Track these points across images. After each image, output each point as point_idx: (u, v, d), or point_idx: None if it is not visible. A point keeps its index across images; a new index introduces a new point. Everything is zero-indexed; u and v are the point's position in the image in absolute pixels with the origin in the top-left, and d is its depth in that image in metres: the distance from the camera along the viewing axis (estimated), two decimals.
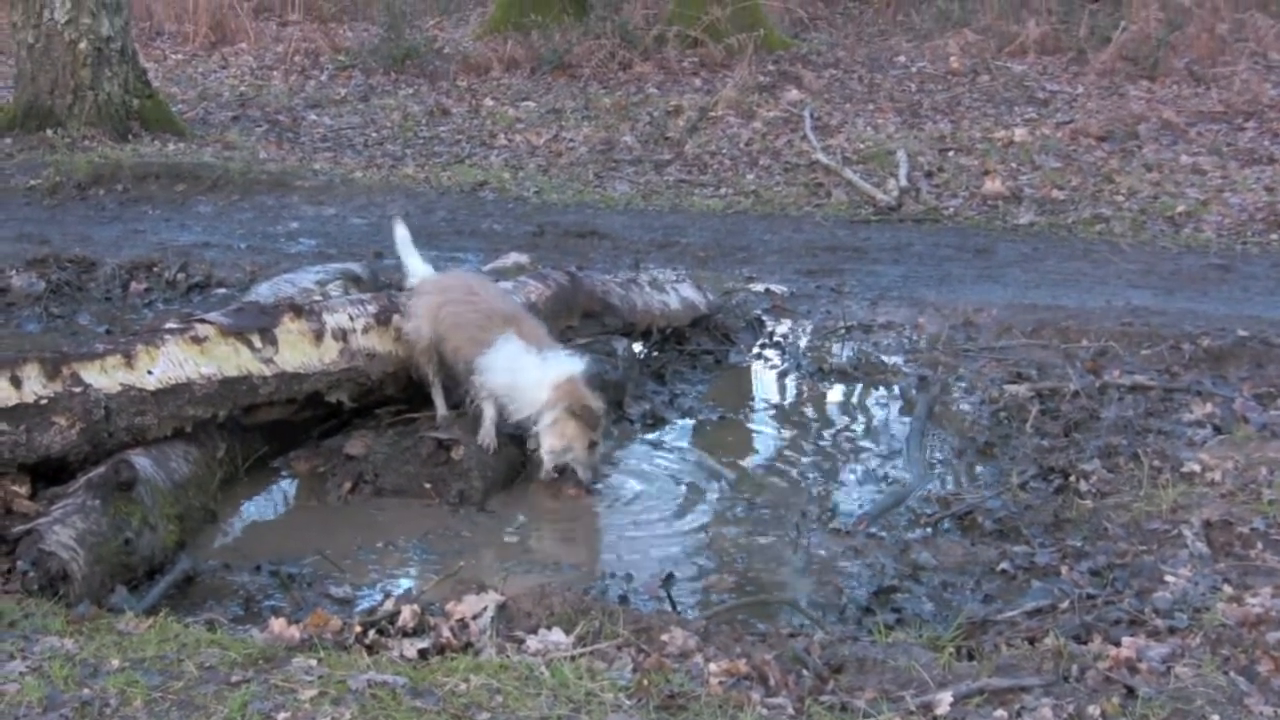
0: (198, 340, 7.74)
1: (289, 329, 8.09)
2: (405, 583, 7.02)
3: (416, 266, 8.81)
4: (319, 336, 8.17)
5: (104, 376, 7.34)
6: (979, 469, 8.55)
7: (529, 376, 8.02)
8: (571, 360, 8.14)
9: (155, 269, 11.95)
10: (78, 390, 7.22)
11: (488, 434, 8.16)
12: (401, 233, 8.99)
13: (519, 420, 8.13)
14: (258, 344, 7.93)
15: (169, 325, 7.87)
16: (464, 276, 8.90)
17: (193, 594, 6.80)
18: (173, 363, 7.59)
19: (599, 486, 8.25)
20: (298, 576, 6.95)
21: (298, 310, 8.24)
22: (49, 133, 16.36)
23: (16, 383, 7.09)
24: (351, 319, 8.36)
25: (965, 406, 9.46)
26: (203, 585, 6.90)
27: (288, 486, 8.23)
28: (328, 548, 7.29)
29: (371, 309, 8.48)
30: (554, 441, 8.01)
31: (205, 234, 13.12)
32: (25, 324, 10.99)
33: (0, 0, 20.15)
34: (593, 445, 8.03)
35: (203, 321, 7.90)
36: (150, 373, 7.49)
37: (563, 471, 8.11)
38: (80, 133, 16.34)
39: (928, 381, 9.77)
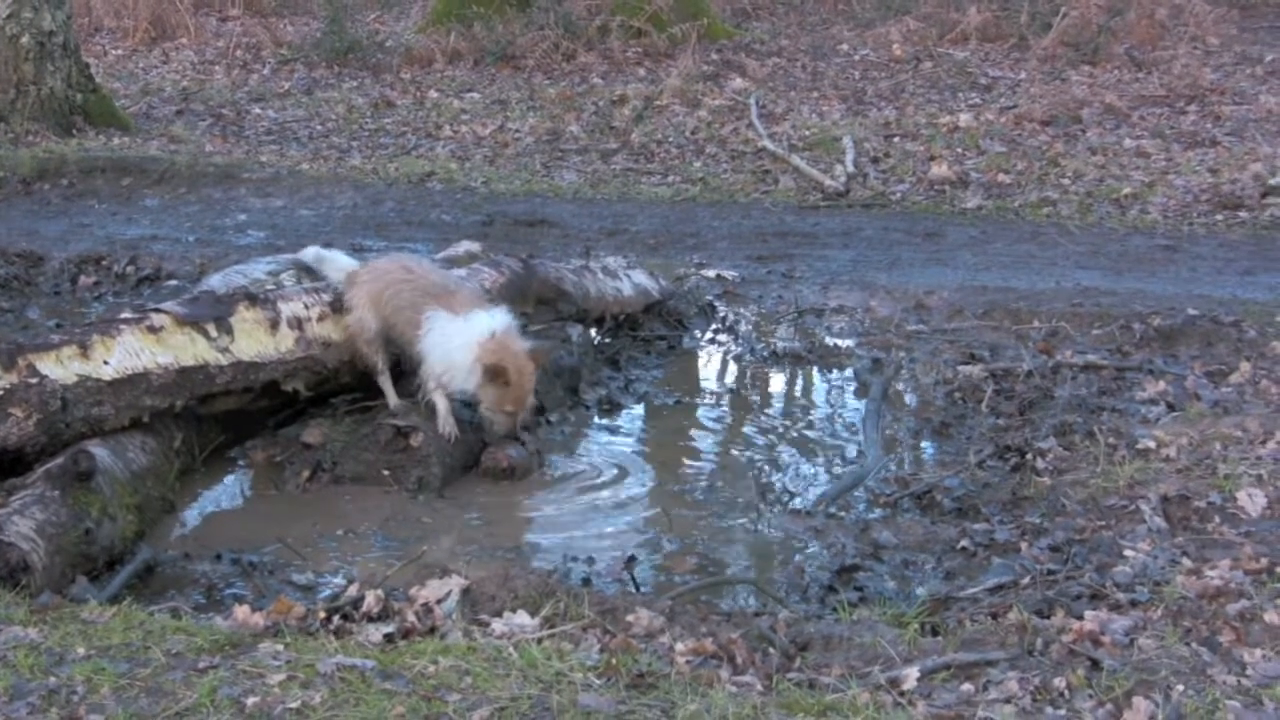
0: (154, 330, 7.69)
1: (244, 318, 8.05)
2: (367, 569, 6.98)
3: (344, 261, 8.78)
4: (274, 325, 8.13)
5: (60, 367, 7.29)
6: (936, 449, 8.60)
7: (454, 343, 7.92)
8: (491, 316, 7.98)
9: (104, 263, 11.91)
10: (34, 381, 7.17)
11: (446, 423, 8.11)
12: (309, 251, 9.05)
13: (462, 394, 8.03)
14: (214, 333, 7.89)
15: (124, 315, 7.82)
16: (400, 259, 8.72)
17: (154, 584, 6.77)
18: (129, 353, 7.53)
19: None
20: (259, 565, 6.93)
21: (253, 299, 8.19)
22: None
23: None
24: (307, 308, 8.32)
25: (920, 388, 9.51)
26: (163, 575, 6.87)
27: (245, 476, 8.20)
28: (288, 536, 7.26)
29: (326, 298, 8.43)
30: (485, 402, 7.92)
31: (153, 227, 13.05)
32: None
33: None
34: (510, 413, 7.95)
35: (158, 311, 7.85)
36: (107, 363, 7.44)
37: (515, 433, 8.06)
38: (24, 128, 16.20)
39: (882, 363, 9.82)
